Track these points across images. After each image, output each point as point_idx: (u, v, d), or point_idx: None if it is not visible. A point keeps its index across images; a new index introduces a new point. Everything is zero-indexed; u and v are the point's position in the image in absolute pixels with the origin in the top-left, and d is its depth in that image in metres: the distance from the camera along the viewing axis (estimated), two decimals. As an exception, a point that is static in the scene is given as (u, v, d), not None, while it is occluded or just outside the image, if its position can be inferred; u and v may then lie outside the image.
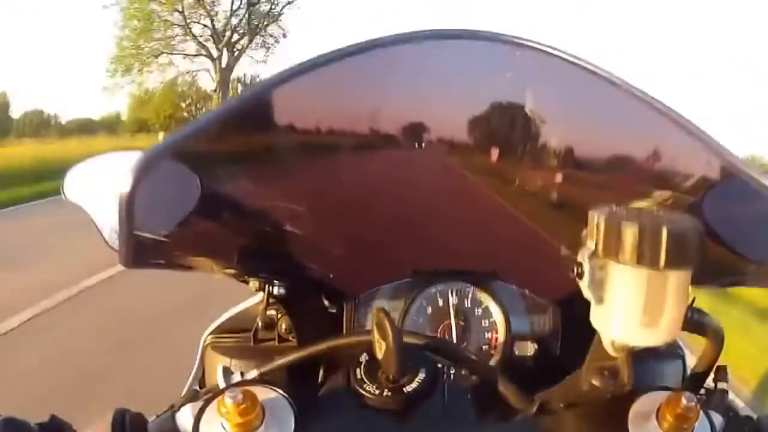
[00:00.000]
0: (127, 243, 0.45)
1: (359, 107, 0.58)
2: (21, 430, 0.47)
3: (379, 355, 0.48)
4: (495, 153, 0.65)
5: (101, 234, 0.61)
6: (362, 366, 0.50)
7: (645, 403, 0.48)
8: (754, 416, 0.52)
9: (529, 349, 0.74)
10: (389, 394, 0.48)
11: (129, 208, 0.43)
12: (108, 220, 0.58)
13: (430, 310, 0.74)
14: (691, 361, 0.75)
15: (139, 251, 0.47)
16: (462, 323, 0.73)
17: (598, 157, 0.62)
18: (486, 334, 0.74)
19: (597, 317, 0.48)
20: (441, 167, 0.66)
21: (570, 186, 0.66)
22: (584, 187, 0.65)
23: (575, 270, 0.47)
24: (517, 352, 0.74)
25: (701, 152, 0.49)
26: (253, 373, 0.53)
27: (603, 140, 0.60)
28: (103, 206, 0.61)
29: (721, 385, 0.60)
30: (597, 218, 0.46)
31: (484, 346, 0.74)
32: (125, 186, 0.42)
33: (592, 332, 0.53)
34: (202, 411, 0.46)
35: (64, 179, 0.66)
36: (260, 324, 0.74)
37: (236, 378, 0.53)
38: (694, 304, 0.58)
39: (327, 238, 0.71)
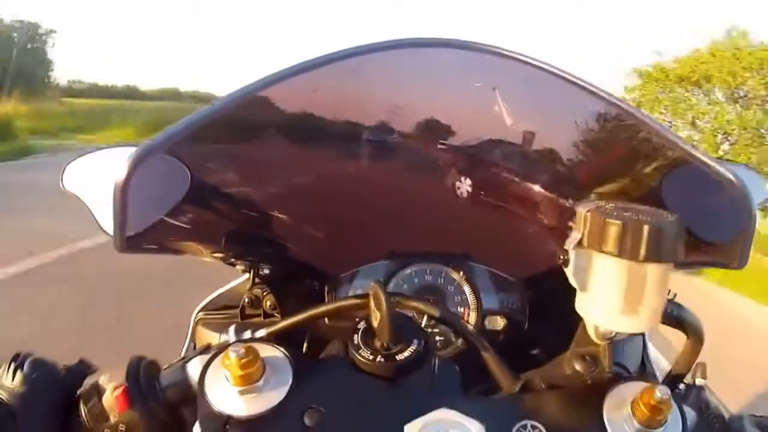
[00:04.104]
0: (121, 229, 0.49)
1: (338, 106, 0.62)
2: (48, 370, 0.51)
3: (375, 323, 0.52)
4: (465, 147, 0.70)
5: (97, 221, 0.65)
6: (360, 333, 0.53)
7: (621, 392, 0.50)
8: (726, 415, 0.55)
9: (499, 323, 0.79)
10: (381, 361, 0.50)
11: (123, 197, 0.47)
12: (104, 209, 0.62)
13: (405, 288, 0.79)
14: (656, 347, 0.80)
15: (132, 237, 0.51)
16: (436, 300, 0.78)
17: (562, 148, 0.65)
18: (459, 309, 0.79)
19: (581, 303, 0.51)
20: (415, 158, 0.71)
21: (535, 174, 0.71)
22: (548, 174, 0.69)
23: (561, 258, 0.50)
24: (488, 326, 0.79)
25: (657, 142, 0.52)
26: (261, 333, 0.57)
27: (566, 133, 0.63)
28: (99, 196, 0.66)
29: (699, 381, 0.61)
30: (584, 211, 0.49)
31: None
32: (120, 176, 0.47)
33: (559, 307, 0.57)
34: (209, 362, 0.50)
35: (64, 171, 0.70)
36: (247, 301, 0.79)
37: (245, 336, 0.57)
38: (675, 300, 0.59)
39: (309, 223, 0.76)
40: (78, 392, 0.51)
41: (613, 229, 0.46)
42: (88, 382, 0.51)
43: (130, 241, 0.51)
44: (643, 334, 0.79)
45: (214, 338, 0.77)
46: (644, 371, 0.79)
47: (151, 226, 0.56)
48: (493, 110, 0.62)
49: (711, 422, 0.54)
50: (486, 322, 0.79)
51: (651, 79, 11.18)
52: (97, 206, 0.66)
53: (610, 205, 0.50)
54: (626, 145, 0.58)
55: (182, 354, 0.80)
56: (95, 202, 0.66)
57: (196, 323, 0.82)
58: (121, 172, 0.47)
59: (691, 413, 0.51)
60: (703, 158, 0.50)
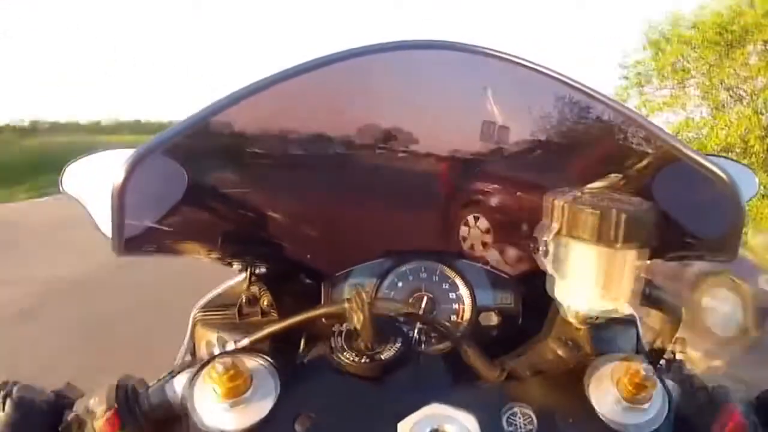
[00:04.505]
0: (119, 232, 0.50)
1: (334, 109, 0.63)
2: (36, 396, 0.52)
3: (357, 325, 0.53)
4: (458, 148, 0.71)
5: (95, 224, 0.66)
6: (342, 335, 0.54)
7: (606, 372, 0.52)
8: (709, 386, 0.56)
9: (493, 319, 0.80)
10: (366, 361, 0.52)
11: (121, 198, 0.48)
12: (102, 211, 0.63)
13: (401, 285, 0.80)
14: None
15: (131, 239, 0.52)
16: (431, 297, 0.79)
17: (556, 146, 0.66)
18: (453, 306, 0.80)
19: (560, 291, 0.53)
20: (409, 158, 0.72)
21: (531, 173, 0.72)
22: (544, 173, 0.70)
23: (540, 248, 0.52)
24: (482, 323, 0.80)
25: (648, 139, 0.54)
26: (242, 343, 0.58)
27: (558, 132, 0.65)
28: (97, 198, 0.66)
29: (680, 356, 0.64)
30: (560, 201, 0.51)
31: (452, 317, 0.80)
32: (117, 178, 0.47)
33: (552, 304, 0.58)
34: (195, 377, 0.51)
35: (62, 174, 0.71)
36: (244, 300, 0.79)
37: (228, 347, 0.57)
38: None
39: (304, 223, 0.77)
40: (69, 417, 0.52)
41: (590, 218, 0.48)
42: (78, 407, 0.52)
43: (129, 243, 0.52)
44: (636, 324, 0.81)
45: (213, 337, 0.78)
46: None
47: (148, 227, 0.57)
48: (485, 109, 0.63)
49: (694, 394, 0.55)
50: (480, 318, 0.80)
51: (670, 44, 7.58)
52: (95, 208, 0.67)
53: (586, 195, 0.52)
54: (617, 142, 0.59)
55: (180, 352, 0.80)
56: (93, 204, 0.67)
57: (195, 323, 0.83)
58: (118, 175, 0.47)
59: (674, 387, 0.53)
60: (693, 154, 0.51)
